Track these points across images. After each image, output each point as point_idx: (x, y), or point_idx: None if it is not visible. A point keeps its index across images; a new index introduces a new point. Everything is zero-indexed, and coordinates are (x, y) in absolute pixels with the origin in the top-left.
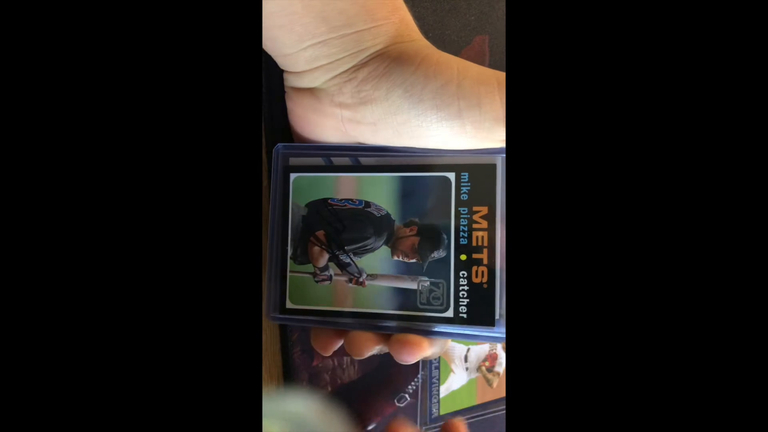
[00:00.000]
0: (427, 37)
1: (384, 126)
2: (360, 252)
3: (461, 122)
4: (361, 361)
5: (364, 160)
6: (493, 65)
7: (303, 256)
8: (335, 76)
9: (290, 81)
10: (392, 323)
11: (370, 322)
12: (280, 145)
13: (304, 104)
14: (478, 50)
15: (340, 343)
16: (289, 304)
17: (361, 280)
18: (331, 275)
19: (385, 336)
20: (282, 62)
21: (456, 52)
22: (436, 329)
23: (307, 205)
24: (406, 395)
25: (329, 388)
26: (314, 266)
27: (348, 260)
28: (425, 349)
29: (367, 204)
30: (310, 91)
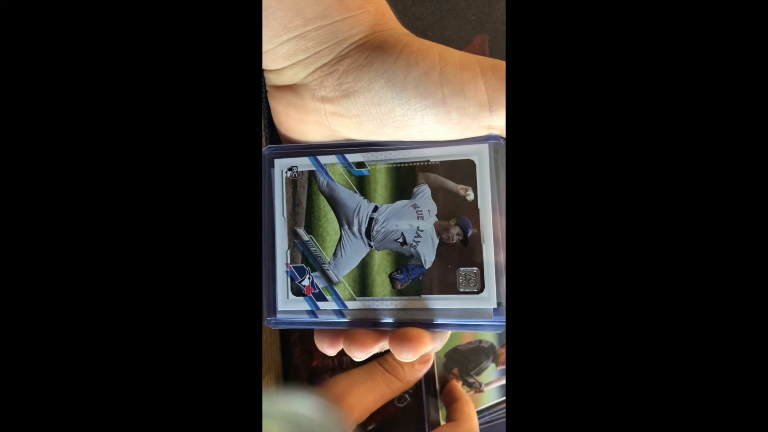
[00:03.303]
0: (427, 37)
1: (368, 118)
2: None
3: (446, 109)
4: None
5: (351, 157)
6: None
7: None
8: (315, 70)
9: (271, 79)
10: (391, 319)
11: (369, 318)
12: (266, 148)
13: (286, 101)
14: (478, 50)
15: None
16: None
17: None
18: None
19: (385, 333)
20: None
21: None
22: (437, 322)
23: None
24: (406, 395)
25: None
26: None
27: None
28: (427, 344)
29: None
30: (291, 87)
